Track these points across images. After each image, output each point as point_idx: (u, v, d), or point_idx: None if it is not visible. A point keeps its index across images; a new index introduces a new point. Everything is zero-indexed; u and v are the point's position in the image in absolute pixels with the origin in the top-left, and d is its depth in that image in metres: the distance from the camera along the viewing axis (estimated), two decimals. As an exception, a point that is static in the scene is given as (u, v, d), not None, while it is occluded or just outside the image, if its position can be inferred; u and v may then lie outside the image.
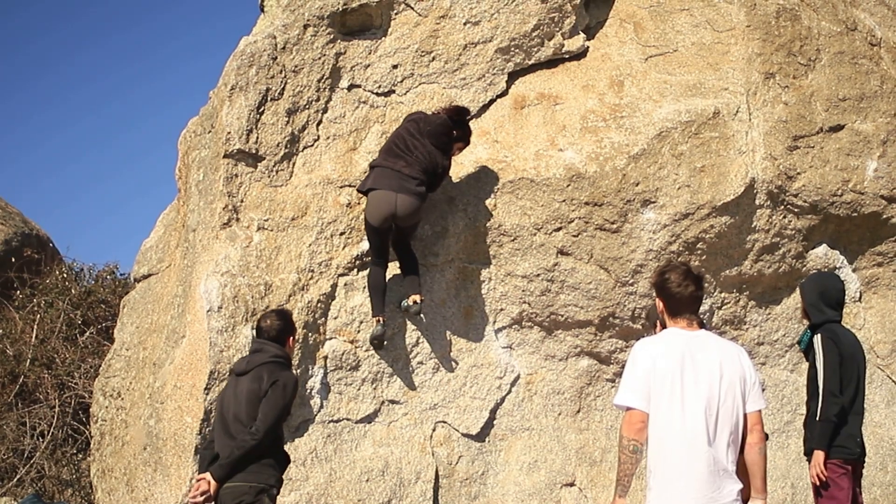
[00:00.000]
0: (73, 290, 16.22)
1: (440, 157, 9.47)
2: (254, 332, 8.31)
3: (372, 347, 9.56)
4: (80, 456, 14.02)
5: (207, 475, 7.29)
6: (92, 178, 63.54)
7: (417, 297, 9.46)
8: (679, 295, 6.20)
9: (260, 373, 7.43)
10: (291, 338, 7.80)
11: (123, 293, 13.49)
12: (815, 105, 10.33)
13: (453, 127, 9.58)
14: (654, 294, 6.42)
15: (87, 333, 15.51)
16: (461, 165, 10.00)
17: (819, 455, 7.62)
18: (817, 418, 7.62)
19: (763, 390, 7.05)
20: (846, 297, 8.77)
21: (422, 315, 9.59)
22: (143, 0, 65.29)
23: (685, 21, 10.68)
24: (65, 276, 16.86)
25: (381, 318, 9.41)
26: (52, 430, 13.91)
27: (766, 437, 6.44)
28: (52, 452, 13.90)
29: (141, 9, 64.70)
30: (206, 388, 8.81)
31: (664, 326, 6.35)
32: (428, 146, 9.42)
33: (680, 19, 10.71)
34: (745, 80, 10.25)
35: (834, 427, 7.58)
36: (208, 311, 9.03)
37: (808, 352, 7.87)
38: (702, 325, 6.31)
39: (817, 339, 7.75)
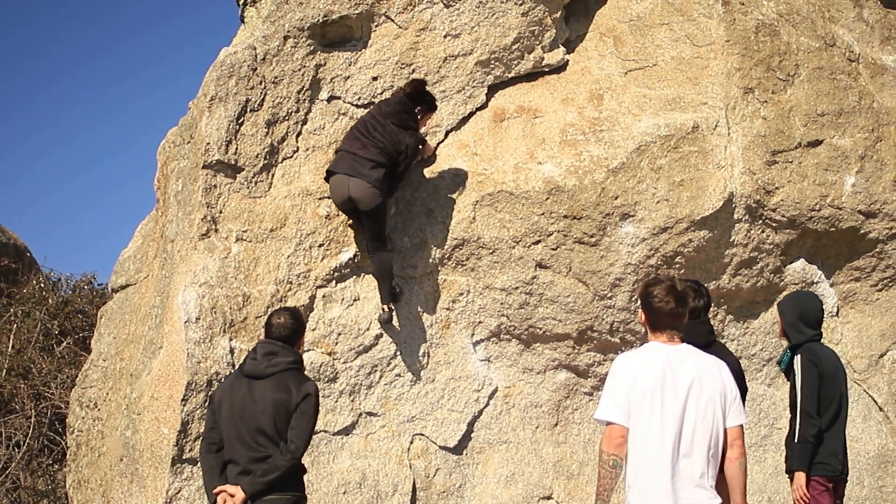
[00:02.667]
0: (50, 300, 16.15)
1: (403, 136, 9.48)
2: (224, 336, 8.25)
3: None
4: (56, 467, 13.95)
5: (239, 490, 7.04)
6: (70, 188, 63.43)
7: (384, 307, 9.55)
8: (660, 310, 6.20)
9: (284, 381, 7.14)
10: (302, 338, 7.54)
11: (101, 303, 13.44)
12: (793, 120, 10.39)
13: (413, 103, 9.65)
14: (639, 305, 6.44)
15: (64, 344, 15.44)
16: (440, 178, 10.05)
17: (800, 476, 7.66)
18: (795, 440, 7.66)
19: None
20: (824, 312, 8.81)
21: (396, 324, 9.64)
22: (125, 18, 65.29)
23: (665, 35, 10.73)
24: (42, 285, 16.79)
25: (385, 307, 9.59)
26: (27, 440, 13.83)
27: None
28: (27, 463, 13.82)
29: (126, 32, 64.72)
30: (183, 399, 8.76)
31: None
32: (389, 126, 9.47)
33: (660, 34, 10.76)
34: (725, 95, 10.30)
35: (812, 447, 7.62)
36: (186, 322, 8.99)
37: (789, 372, 7.90)
38: (683, 340, 6.32)
39: (797, 360, 7.77)
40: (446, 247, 9.95)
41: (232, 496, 7.08)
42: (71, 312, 16.12)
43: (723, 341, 10.38)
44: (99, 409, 10.03)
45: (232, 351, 9.07)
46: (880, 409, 10.66)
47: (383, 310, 9.57)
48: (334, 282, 9.70)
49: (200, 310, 9.06)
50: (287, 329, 7.37)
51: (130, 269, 10.66)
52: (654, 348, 6.20)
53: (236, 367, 8.69)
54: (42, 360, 14.97)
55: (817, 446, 7.65)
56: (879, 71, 10.99)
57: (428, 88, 9.92)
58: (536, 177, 9.97)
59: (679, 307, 6.23)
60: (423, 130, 10.10)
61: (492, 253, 9.95)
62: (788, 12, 10.84)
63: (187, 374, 8.82)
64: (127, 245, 10.95)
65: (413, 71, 10.27)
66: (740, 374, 7.30)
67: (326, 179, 9.58)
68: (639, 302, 6.46)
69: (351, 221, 9.75)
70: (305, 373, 7.59)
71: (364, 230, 9.58)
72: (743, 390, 7.32)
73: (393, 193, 9.68)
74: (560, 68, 10.84)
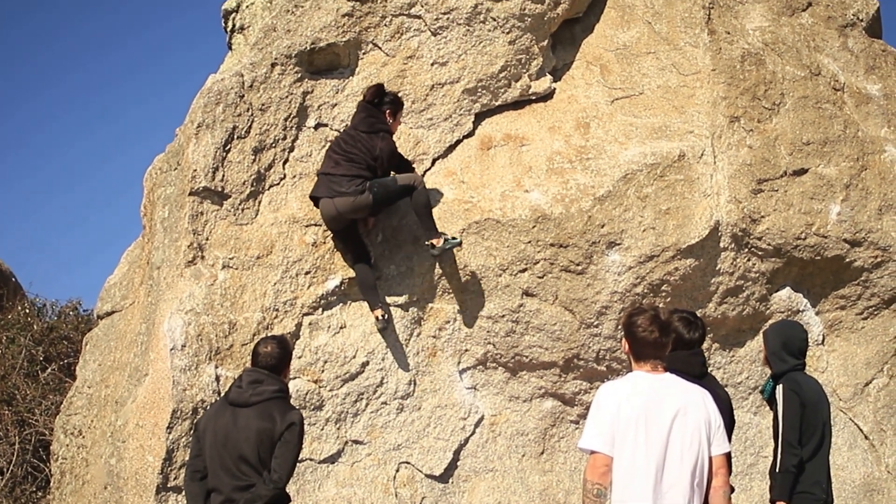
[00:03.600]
0: (35, 326, 16.09)
1: (375, 140, 9.53)
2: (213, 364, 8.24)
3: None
4: (40, 494, 13.87)
5: None
6: (56, 213, 63.29)
7: (434, 241, 9.59)
8: (643, 340, 6.21)
9: (269, 410, 7.16)
10: (288, 367, 7.56)
11: (86, 330, 13.41)
12: (779, 149, 10.44)
13: (377, 107, 9.70)
14: (622, 335, 6.45)
15: (49, 370, 15.38)
16: (427, 206, 10.07)
17: None
18: (777, 470, 7.69)
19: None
20: (809, 341, 8.84)
21: (382, 352, 9.71)
22: (107, 36, 65.27)
23: (651, 64, 10.80)
24: (27, 311, 16.73)
25: (378, 314, 9.58)
26: (11, 467, 13.77)
27: (732, 489, 6.47)
28: (10, 490, 13.76)
29: (106, 44, 64.67)
30: (168, 427, 8.76)
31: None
32: (359, 136, 9.55)
33: (646, 62, 10.82)
34: (711, 124, 10.34)
35: (793, 477, 7.64)
36: (172, 350, 8.99)
37: (771, 401, 7.93)
38: (667, 369, 6.33)
39: (779, 389, 7.79)
40: (433, 274, 9.97)
41: None
42: (56, 338, 16.06)
43: (709, 370, 10.42)
44: (83, 437, 10.02)
45: (218, 378, 9.06)
46: (866, 438, 10.67)
47: (432, 245, 9.61)
48: (321, 309, 9.70)
49: (186, 337, 9.06)
50: (274, 358, 7.39)
51: (116, 295, 10.66)
52: (638, 378, 6.21)
53: (222, 395, 8.71)
54: (26, 387, 14.91)
55: (798, 476, 7.67)
56: (864, 100, 11.08)
57: (388, 90, 9.95)
58: (523, 205, 9.99)
59: (662, 337, 6.24)
60: (412, 156, 10.14)
61: (478, 281, 9.96)
62: (774, 41, 10.93)
63: (173, 402, 8.81)
64: (113, 271, 10.98)
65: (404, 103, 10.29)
66: (730, 408, 7.32)
67: (315, 204, 9.66)
68: (622, 331, 6.49)
69: (334, 245, 9.82)
70: (291, 401, 7.61)
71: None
72: (731, 424, 7.35)
73: None
74: (547, 96, 10.89)
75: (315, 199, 9.62)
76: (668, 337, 6.34)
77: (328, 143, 10.04)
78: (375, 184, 9.46)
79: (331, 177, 9.46)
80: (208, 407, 8.74)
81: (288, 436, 7.15)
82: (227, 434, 7.16)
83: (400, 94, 10.07)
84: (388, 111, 9.76)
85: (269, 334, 8.95)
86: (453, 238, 9.64)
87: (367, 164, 9.48)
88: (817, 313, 10.77)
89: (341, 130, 9.88)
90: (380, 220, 9.91)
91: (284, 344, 7.56)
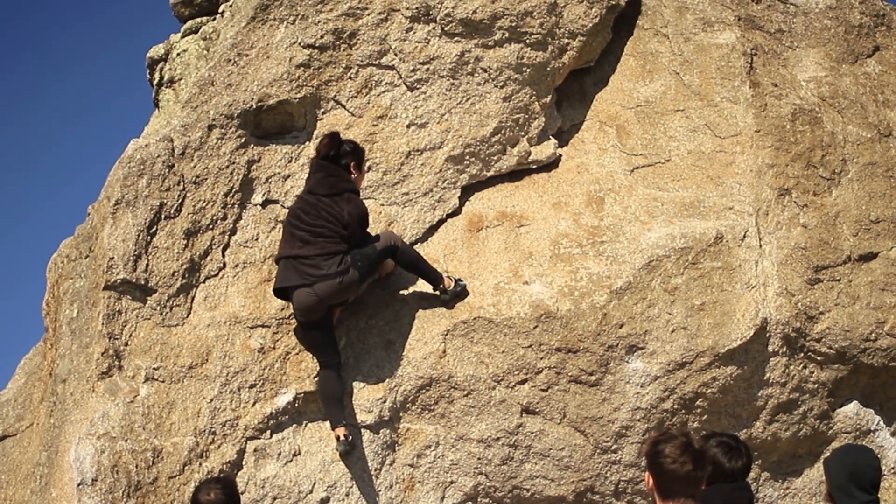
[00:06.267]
0: None
1: (341, 205, 9.48)
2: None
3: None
4: None
5: None
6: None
7: (445, 282, 10.00)
8: (672, 474, 6.02)
9: None
10: None
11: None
12: (840, 228, 10.39)
13: (332, 161, 9.63)
14: (645, 467, 6.26)
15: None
16: (402, 302, 10.00)
17: None
18: None
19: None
20: (884, 470, 8.70)
21: (346, 485, 9.54)
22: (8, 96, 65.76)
23: (680, 124, 10.78)
24: None
25: (341, 434, 9.42)
26: None
27: None
28: None
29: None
30: (72, 587, 8.59)
31: None
32: (321, 202, 9.48)
33: (673, 122, 10.80)
34: (755, 198, 10.34)
35: None
36: (79, 485, 8.81)
37: (836, 548, 7.75)
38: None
39: (846, 532, 7.62)
40: (410, 388, 9.86)
41: None
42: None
43: (758, 506, 10.32)
44: None
45: (138, 521, 8.88)
46: (952, 590, 10.52)
47: (443, 290, 9.97)
48: (269, 432, 9.59)
49: (98, 468, 8.89)
50: None
51: (10, 415, 10.59)
52: (665, 523, 5.93)
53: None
54: None
55: None
56: (948, 167, 11.02)
57: (343, 137, 9.87)
58: (522, 300, 9.95)
59: (696, 470, 6.03)
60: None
61: (467, 395, 9.86)
62: (832, 95, 10.91)
63: (79, 554, 8.60)
64: (6, 385, 10.91)
65: (369, 168, 10.24)
66: None
67: (280, 296, 9.62)
68: (645, 462, 6.34)
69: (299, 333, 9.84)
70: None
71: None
72: None
73: None
74: (551, 165, 10.97)
75: (282, 290, 9.48)
76: (703, 470, 6.14)
77: (279, 224, 9.99)
78: (357, 256, 9.45)
79: (301, 260, 9.36)
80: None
81: None
82: None
83: (359, 142, 10.02)
84: (351, 164, 9.65)
85: (212, 476, 8.97)
86: (459, 280, 9.99)
87: (339, 234, 9.41)
88: (893, 434, 10.62)
89: (296, 198, 9.75)
90: (343, 319, 9.79)
91: (230, 488, 7.49)
